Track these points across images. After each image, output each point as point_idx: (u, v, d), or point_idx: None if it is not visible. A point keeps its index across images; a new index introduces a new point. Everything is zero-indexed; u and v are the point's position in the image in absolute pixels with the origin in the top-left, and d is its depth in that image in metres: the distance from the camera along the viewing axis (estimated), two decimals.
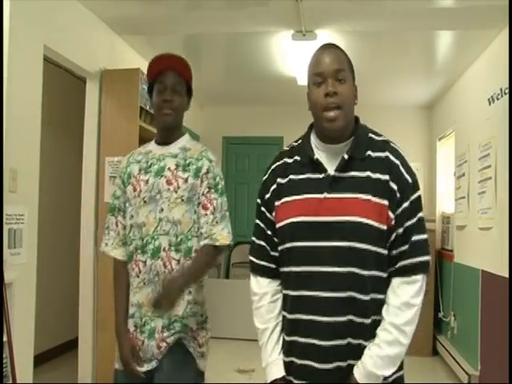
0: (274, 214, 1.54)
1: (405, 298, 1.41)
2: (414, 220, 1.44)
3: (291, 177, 1.53)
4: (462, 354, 4.43)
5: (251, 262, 1.61)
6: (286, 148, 1.63)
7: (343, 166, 1.46)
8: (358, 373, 1.41)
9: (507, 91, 3.50)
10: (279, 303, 1.55)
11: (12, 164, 2.62)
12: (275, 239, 1.55)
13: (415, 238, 1.44)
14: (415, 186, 1.47)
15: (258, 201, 1.61)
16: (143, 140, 2.73)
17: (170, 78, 1.91)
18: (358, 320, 1.42)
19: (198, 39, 4.27)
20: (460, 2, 3.33)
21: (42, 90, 2.96)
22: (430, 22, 3.68)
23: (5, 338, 2.44)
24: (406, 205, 1.44)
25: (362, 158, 1.47)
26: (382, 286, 1.44)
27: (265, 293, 1.55)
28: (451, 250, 5.04)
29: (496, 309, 3.62)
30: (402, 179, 1.45)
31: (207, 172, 1.91)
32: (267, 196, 1.57)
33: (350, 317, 1.41)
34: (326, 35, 3.85)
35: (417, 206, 1.46)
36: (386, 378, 1.42)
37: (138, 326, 1.90)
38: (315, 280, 1.43)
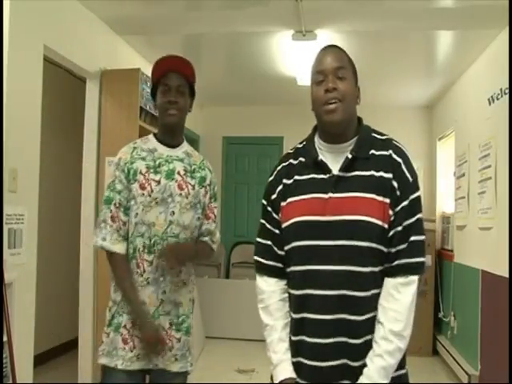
0: (280, 214, 1.55)
1: (405, 302, 1.41)
2: (413, 220, 1.45)
3: (296, 177, 1.54)
4: (462, 354, 4.43)
5: (257, 262, 1.60)
6: (290, 150, 1.63)
7: (347, 166, 1.47)
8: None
9: (507, 91, 3.50)
10: (287, 302, 1.54)
11: (12, 164, 2.62)
12: (282, 239, 1.54)
13: (413, 238, 1.44)
14: (415, 186, 1.48)
15: (264, 201, 1.60)
16: None
17: (173, 79, 1.93)
18: (360, 318, 1.42)
19: (198, 39, 4.27)
20: (460, 2, 3.33)
21: (42, 90, 2.95)
22: (430, 22, 3.68)
23: (5, 338, 2.44)
24: (405, 203, 1.45)
25: (365, 157, 1.48)
26: (381, 281, 1.45)
27: (273, 291, 1.55)
28: (451, 250, 5.04)
29: (496, 309, 3.62)
30: (403, 177, 1.46)
31: (210, 183, 2.03)
32: (273, 196, 1.57)
33: (348, 315, 1.42)
34: (325, 35, 3.85)
35: (416, 205, 1.47)
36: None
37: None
38: (320, 279, 1.44)
